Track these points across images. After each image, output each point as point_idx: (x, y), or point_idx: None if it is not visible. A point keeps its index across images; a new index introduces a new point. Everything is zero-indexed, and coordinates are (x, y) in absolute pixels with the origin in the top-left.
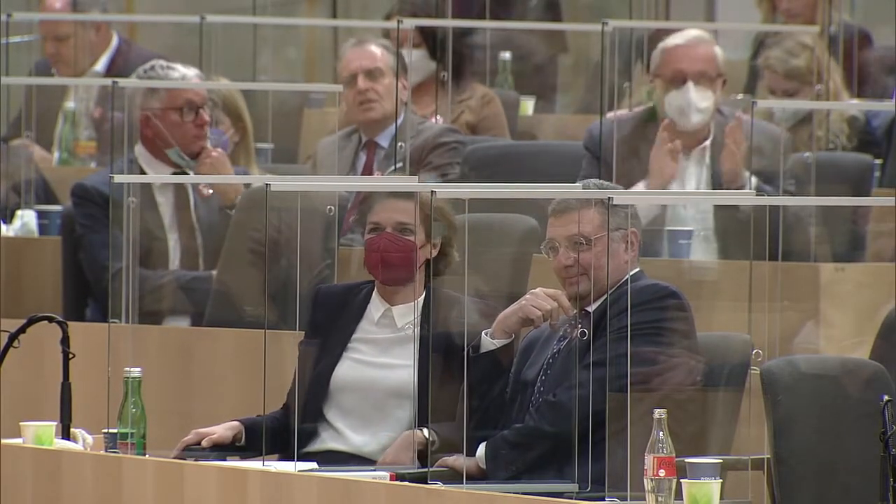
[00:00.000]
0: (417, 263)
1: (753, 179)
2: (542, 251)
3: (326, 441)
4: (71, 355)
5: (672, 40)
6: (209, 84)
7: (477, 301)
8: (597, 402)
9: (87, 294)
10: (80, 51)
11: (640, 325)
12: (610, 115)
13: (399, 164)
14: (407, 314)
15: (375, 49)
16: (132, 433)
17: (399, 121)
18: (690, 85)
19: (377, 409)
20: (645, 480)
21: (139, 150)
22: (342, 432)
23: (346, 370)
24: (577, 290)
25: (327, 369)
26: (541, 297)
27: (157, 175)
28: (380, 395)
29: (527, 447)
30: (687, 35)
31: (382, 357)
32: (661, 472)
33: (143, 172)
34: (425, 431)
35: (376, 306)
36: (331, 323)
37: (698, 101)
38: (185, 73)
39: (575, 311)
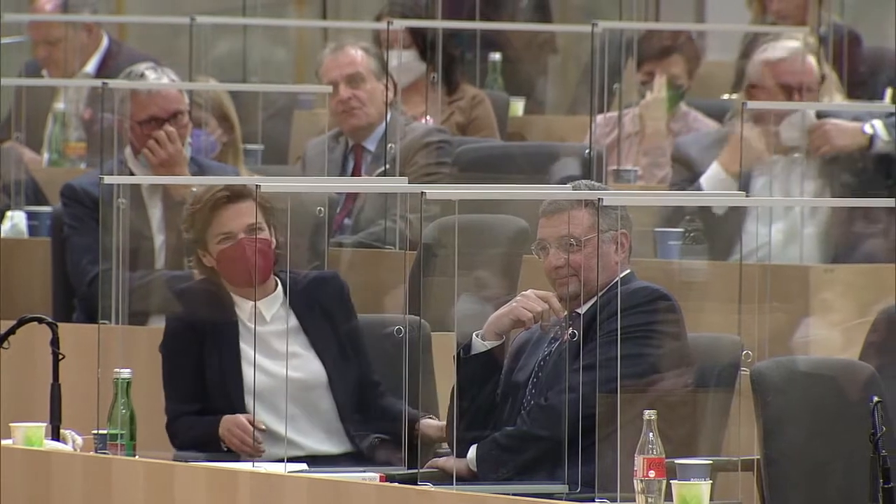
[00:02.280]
0: (273, 258)
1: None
2: (532, 252)
3: (280, 449)
4: (61, 356)
5: (774, 53)
6: (199, 85)
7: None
8: (588, 406)
9: (74, 296)
10: (70, 52)
11: (631, 328)
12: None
13: (387, 166)
14: (269, 307)
15: (354, 53)
16: (122, 434)
17: (385, 123)
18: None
19: (304, 406)
20: (635, 481)
21: (128, 151)
22: (286, 437)
23: (259, 375)
24: (568, 290)
25: (235, 375)
26: (531, 299)
27: (148, 176)
28: (302, 392)
29: (518, 451)
30: (787, 47)
31: (284, 356)
32: (651, 474)
33: (131, 174)
34: (433, 421)
35: (242, 306)
36: (203, 322)
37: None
38: (159, 80)
39: (566, 313)
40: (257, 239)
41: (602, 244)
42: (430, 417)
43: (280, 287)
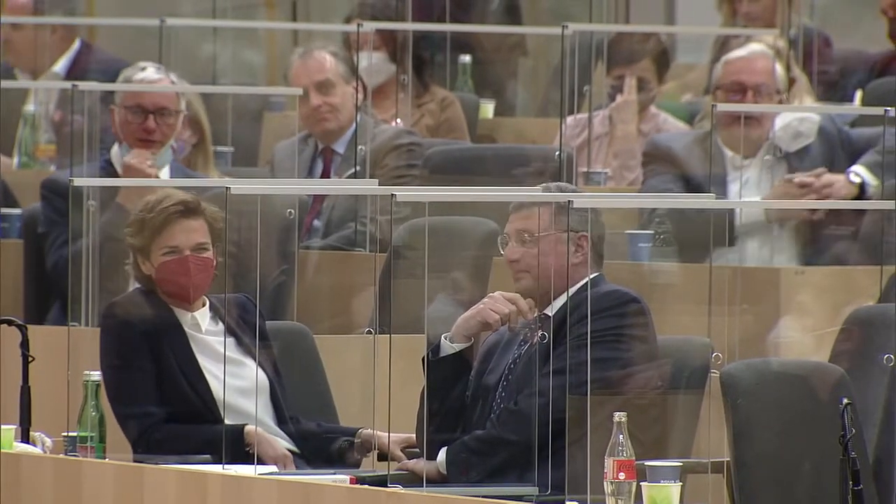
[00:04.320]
0: (211, 278)
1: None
2: (499, 245)
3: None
4: (30, 358)
5: (735, 52)
6: (168, 87)
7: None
8: (558, 409)
9: (48, 296)
10: (36, 48)
11: (601, 332)
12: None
13: (357, 168)
14: (204, 316)
15: (323, 60)
16: (92, 436)
17: (354, 125)
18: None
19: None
20: (605, 484)
21: (114, 150)
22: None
23: (216, 381)
24: (522, 285)
25: (199, 379)
26: (499, 301)
27: (119, 179)
28: (251, 396)
29: (488, 455)
30: (749, 48)
31: (230, 362)
32: (621, 476)
33: (115, 171)
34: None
35: (181, 316)
36: (154, 329)
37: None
38: (148, 78)
39: (536, 315)
40: (201, 258)
41: (558, 243)
42: (364, 429)
43: (209, 303)
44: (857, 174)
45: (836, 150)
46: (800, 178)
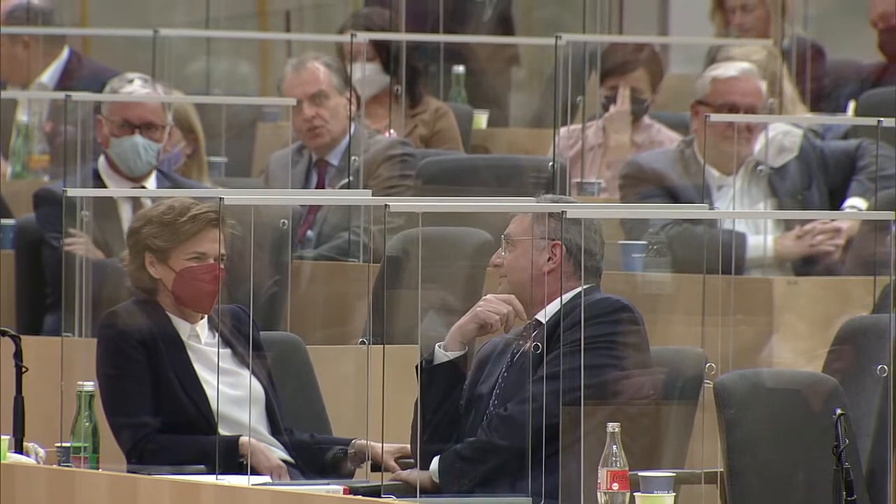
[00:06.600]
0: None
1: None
2: None
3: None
4: (24, 369)
5: (724, 71)
6: (164, 98)
7: None
8: (551, 416)
9: (43, 305)
10: (18, 60)
11: (593, 339)
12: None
13: (350, 178)
14: (203, 328)
15: (317, 70)
16: (85, 447)
17: (349, 136)
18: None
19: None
20: (598, 494)
21: (101, 161)
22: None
23: (212, 390)
24: (500, 290)
25: (196, 390)
26: (494, 303)
27: (113, 189)
28: (246, 407)
29: (479, 461)
30: (739, 67)
31: (227, 373)
32: (615, 486)
33: (103, 183)
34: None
35: (180, 327)
36: (153, 338)
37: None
38: (135, 91)
39: (530, 322)
40: (222, 268)
41: (533, 250)
42: (357, 440)
43: (206, 315)
44: (853, 207)
45: (813, 167)
46: (811, 225)
